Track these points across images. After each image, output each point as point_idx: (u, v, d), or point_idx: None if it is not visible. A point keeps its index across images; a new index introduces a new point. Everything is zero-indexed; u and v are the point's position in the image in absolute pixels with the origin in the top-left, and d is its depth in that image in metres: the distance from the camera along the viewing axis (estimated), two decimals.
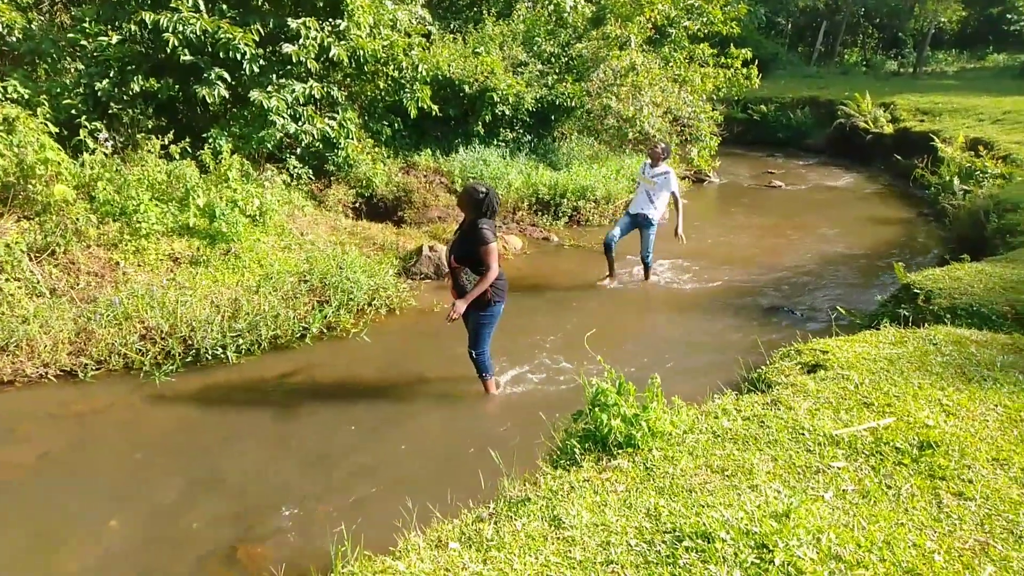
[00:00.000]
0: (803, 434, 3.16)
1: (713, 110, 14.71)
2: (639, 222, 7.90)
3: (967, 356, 4.00)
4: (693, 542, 2.39)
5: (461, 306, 4.80)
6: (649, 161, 7.92)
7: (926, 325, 4.70)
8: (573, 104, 12.20)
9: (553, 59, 12.76)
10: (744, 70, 15.39)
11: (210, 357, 5.77)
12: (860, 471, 2.85)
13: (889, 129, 17.35)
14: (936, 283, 5.48)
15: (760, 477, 2.82)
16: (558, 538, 2.50)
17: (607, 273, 8.17)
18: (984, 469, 2.84)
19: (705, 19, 15.14)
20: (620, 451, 3.11)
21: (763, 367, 4.28)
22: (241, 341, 5.91)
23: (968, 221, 9.17)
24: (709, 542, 2.38)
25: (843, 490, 2.72)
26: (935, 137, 13.82)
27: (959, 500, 2.66)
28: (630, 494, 2.76)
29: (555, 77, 12.31)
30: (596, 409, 3.24)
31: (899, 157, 14.91)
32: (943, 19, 30.61)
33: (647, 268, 8.10)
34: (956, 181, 11.30)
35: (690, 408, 3.52)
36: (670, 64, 14.35)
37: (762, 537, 2.38)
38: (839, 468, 2.88)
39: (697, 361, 6.04)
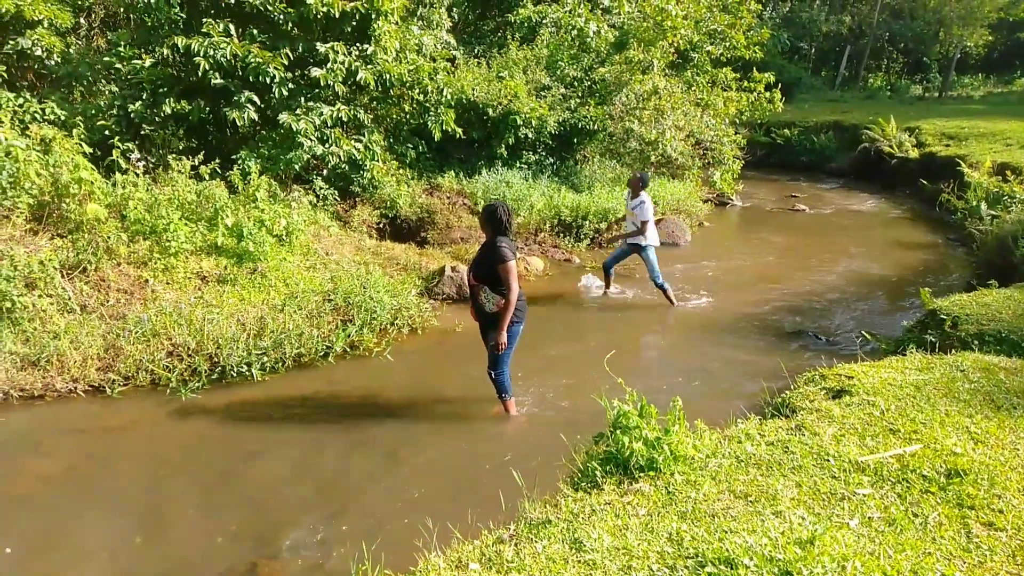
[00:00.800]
0: (828, 460, 3.13)
1: (736, 134, 14.73)
2: (633, 250, 8.13)
3: (996, 383, 3.94)
4: (716, 568, 2.37)
5: (503, 337, 4.88)
6: (630, 191, 8.11)
7: (953, 351, 4.64)
8: (595, 127, 12.28)
9: (576, 83, 12.87)
10: (767, 94, 15.39)
11: (235, 374, 5.83)
12: (886, 498, 2.81)
13: (914, 154, 17.23)
14: (963, 309, 5.42)
15: (784, 503, 2.79)
16: (579, 561, 2.49)
17: (604, 284, 8.55)
18: (1015, 499, 2.79)
19: (728, 44, 15.21)
20: (642, 474, 3.09)
21: (787, 392, 4.25)
22: (266, 359, 5.97)
23: (996, 246, 9.05)
24: (732, 568, 2.36)
25: (869, 517, 2.69)
26: (961, 162, 13.70)
27: (989, 530, 2.61)
28: (652, 518, 2.74)
29: (578, 101, 12.41)
30: (617, 431, 3.23)
31: (925, 182, 14.79)
32: (969, 44, 30.43)
33: (664, 291, 8.07)
34: (983, 206, 11.17)
35: (713, 432, 3.50)
36: (692, 88, 14.42)
37: (786, 564, 2.35)
38: (865, 495, 2.84)
39: (720, 384, 6.00)
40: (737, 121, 15.44)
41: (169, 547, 3.87)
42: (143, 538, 3.93)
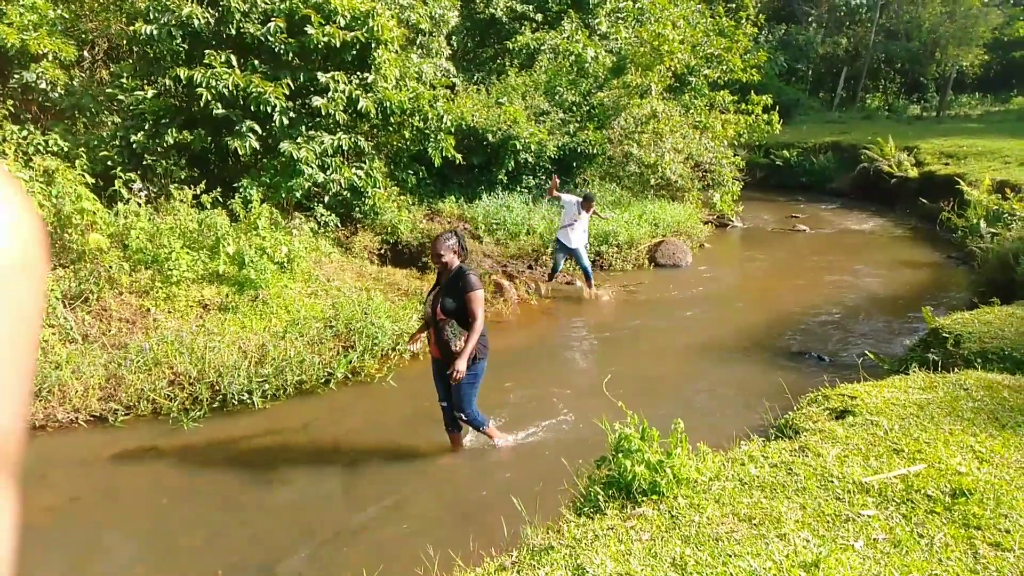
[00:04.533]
0: (832, 481, 3.11)
1: (735, 155, 14.82)
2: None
3: (999, 401, 3.92)
4: None
5: (462, 365, 4.48)
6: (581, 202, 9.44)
7: (956, 370, 4.62)
8: (595, 151, 12.37)
9: (575, 107, 12.99)
10: (765, 116, 15.50)
11: (237, 402, 5.82)
12: (891, 519, 2.79)
13: (913, 173, 17.29)
14: (965, 327, 5.40)
15: (788, 526, 2.77)
16: None
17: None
18: (1022, 519, 2.76)
19: (725, 67, 15.36)
20: (644, 498, 3.07)
21: (790, 413, 4.22)
22: (267, 386, 5.96)
23: (997, 264, 9.04)
24: None
25: (874, 539, 2.66)
26: (961, 180, 13.74)
27: (996, 551, 2.58)
28: (655, 543, 2.72)
29: (576, 125, 12.51)
30: (619, 455, 3.21)
31: (924, 201, 14.83)
32: (964, 64, 30.68)
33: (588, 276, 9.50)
34: (983, 224, 11.18)
35: (716, 455, 3.47)
36: (690, 111, 14.53)
37: None
38: (869, 516, 2.81)
39: (722, 406, 5.97)
40: (736, 143, 15.55)
41: None
42: (144, 569, 3.90)
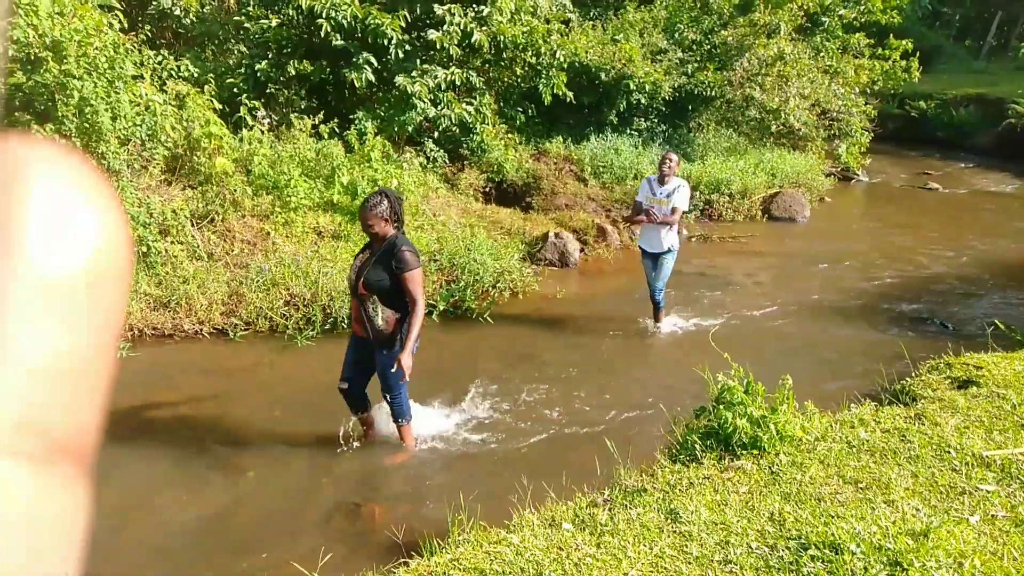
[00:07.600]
0: (949, 452, 2.94)
1: (866, 104, 13.85)
2: (653, 256, 6.30)
3: None
4: (819, 551, 2.29)
5: (408, 361, 3.90)
6: (656, 176, 6.18)
7: None
8: (713, 94, 11.83)
9: (695, 46, 12.40)
10: (903, 63, 14.35)
11: (346, 326, 6.07)
12: (1013, 497, 2.62)
13: None
14: None
15: (897, 493, 2.65)
16: (674, 532, 2.47)
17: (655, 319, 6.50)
18: None
19: (863, 7, 14.22)
20: (744, 452, 3.01)
21: (908, 379, 4.01)
22: None
23: None
24: (837, 553, 2.27)
25: (991, 515, 2.51)
26: None
27: None
28: (753, 496, 2.67)
29: (695, 65, 11.96)
30: (721, 407, 3.15)
31: None
32: None
33: (657, 307, 6.41)
34: None
35: (824, 415, 3.36)
36: (821, 54, 13.61)
37: (896, 554, 2.23)
38: (988, 491, 2.65)
39: (833, 368, 5.73)
40: (868, 91, 14.49)
41: (279, 484, 4.12)
42: (256, 473, 4.19)
